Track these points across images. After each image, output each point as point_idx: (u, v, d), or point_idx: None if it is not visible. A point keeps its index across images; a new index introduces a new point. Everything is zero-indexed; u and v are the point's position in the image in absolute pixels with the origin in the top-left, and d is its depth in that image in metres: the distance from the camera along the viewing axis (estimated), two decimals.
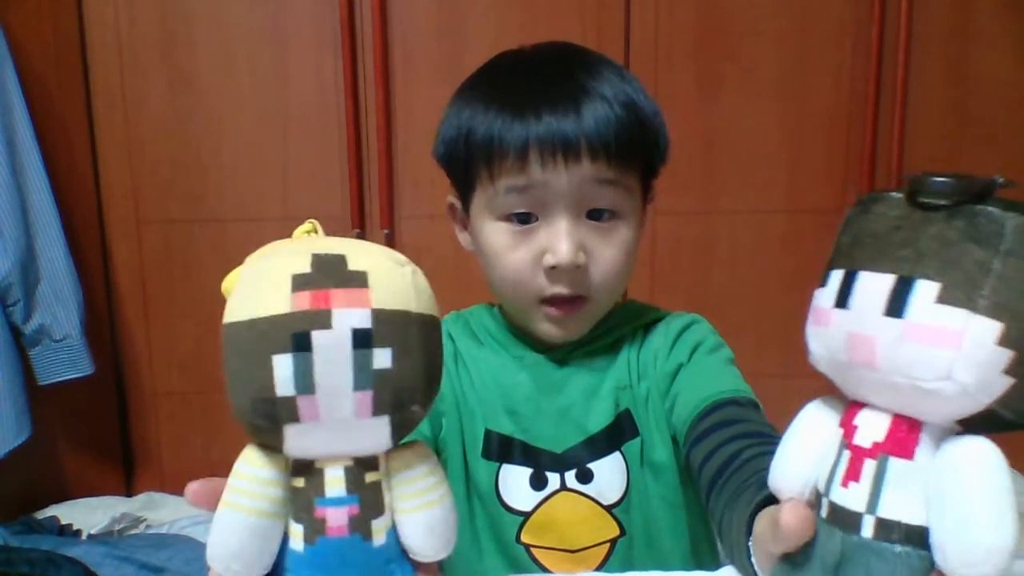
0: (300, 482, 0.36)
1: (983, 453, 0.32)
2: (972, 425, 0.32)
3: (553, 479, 0.72)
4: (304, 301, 0.33)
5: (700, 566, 0.58)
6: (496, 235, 0.69)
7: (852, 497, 0.34)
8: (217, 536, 0.35)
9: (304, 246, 0.35)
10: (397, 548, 0.37)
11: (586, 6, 1.79)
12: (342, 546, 0.35)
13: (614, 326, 0.75)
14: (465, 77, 0.74)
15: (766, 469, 0.40)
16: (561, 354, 0.74)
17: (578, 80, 0.67)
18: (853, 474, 0.34)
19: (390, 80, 1.80)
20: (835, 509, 0.35)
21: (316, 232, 0.38)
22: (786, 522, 0.35)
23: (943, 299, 0.31)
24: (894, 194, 0.35)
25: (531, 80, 0.69)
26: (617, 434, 0.73)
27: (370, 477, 0.36)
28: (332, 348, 0.32)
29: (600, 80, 0.67)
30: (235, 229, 1.83)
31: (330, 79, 1.79)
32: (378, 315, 0.33)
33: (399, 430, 0.35)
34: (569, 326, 0.71)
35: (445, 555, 0.38)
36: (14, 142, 1.63)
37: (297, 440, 0.34)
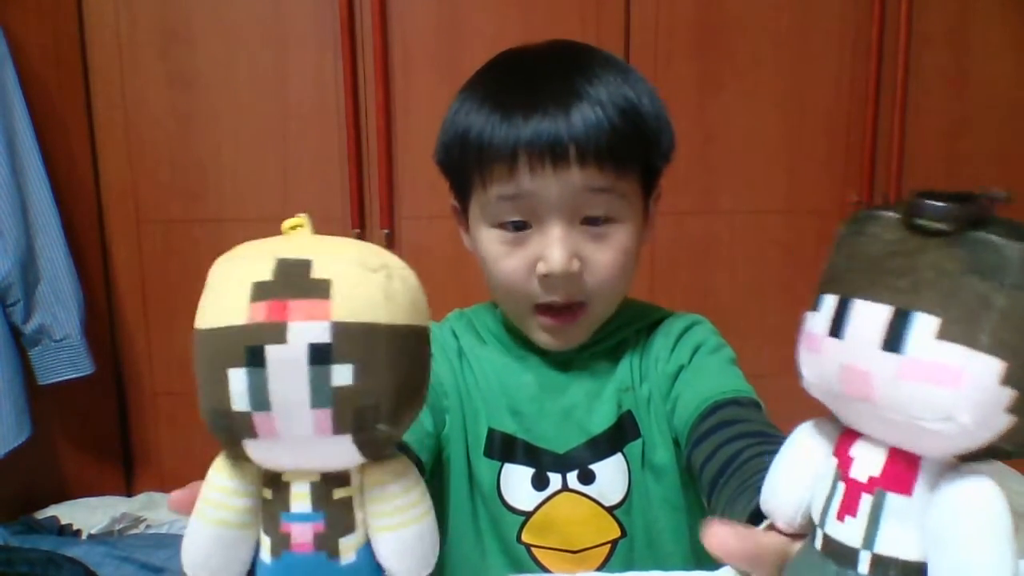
0: (268, 494, 0.35)
1: (984, 497, 0.30)
2: (971, 458, 0.31)
3: (555, 479, 0.72)
4: (260, 313, 0.31)
5: (700, 567, 0.57)
6: (490, 242, 0.69)
7: (848, 532, 0.33)
8: (187, 543, 0.35)
9: (272, 248, 0.34)
10: (371, 566, 0.36)
11: (586, 6, 1.79)
12: (307, 563, 0.35)
13: (617, 328, 0.75)
14: (465, 77, 0.73)
15: (766, 469, 0.40)
16: (564, 356, 0.74)
17: (573, 83, 0.66)
18: (849, 508, 0.33)
19: (390, 80, 1.80)
20: (830, 541, 0.34)
21: (304, 227, 0.37)
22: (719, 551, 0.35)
23: (943, 335, 0.29)
24: (890, 214, 0.33)
25: (526, 81, 0.68)
26: (619, 436, 0.73)
27: (339, 493, 0.35)
28: (287, 364, 0.31)
29: (597, 83, 0.66)
30: (235, 229, 1.83)
31: (330, 79, 1.79)
32: (338, 328, 0.31)
33: (367, 448, 0.34)
34: (566, 335, 0.70)
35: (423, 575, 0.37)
36: (14, 142, 1.63)
37: (259, 454, 0.33)
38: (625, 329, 0.76)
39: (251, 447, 0.33)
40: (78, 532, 1.63)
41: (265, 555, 0.35)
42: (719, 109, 1.84)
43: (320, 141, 1.82)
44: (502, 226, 0.67)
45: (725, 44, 1.82)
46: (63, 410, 1.82)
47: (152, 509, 1.78)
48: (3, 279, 1.62)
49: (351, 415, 0.32)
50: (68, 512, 1.71)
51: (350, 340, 0.31)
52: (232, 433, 0.32)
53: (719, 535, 0.35)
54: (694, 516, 0.75)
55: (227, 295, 0.32)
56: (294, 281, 0.32)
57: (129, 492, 1.92)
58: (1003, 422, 0.29)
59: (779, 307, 1.90)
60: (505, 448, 0.73)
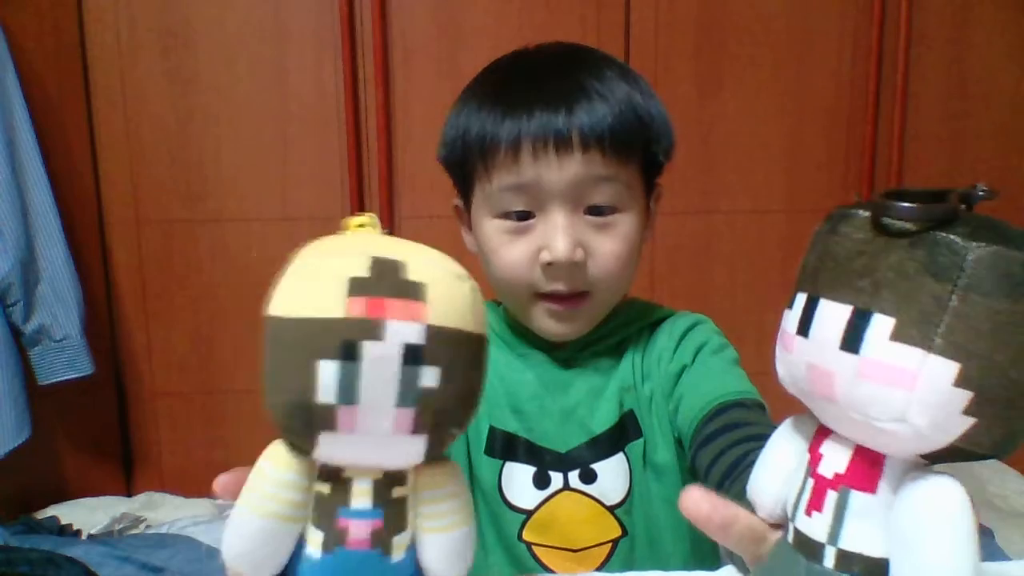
0: (326, 488, 0.35)
1: (946, 498, 0.30)
2: (937, 458, 0.31)
3: (556, 478, 0.72)
4: (359, 308, 0.31)
5: (701, 567, 0.58)
6: (493, 232, 0.69)
7: (815, 527, 0.34)
8: (231, 533, 0.35)
9: (361, 246, 0.34)
10: (414, 565, 0.36)
11: (586, 6, 1.79)
12: (360, 559, 0.35)
13: (619, 326, 0.75)
14: (465, 77, 0.74)
15: None
16: (566, 354, 0.74)
17: (575, 78, 0.67)
18: (816, 504, 0.34)
19: (390, 80, 1.80)
20: (799, 536, 0.34)
21: (373, 227, 0.37)
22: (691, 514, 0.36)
23: (898, 337, 0.29)
24: (862, 213, 0.33)
25: (527, 79, 0.69)
26: (621, 435, 0.73)
27: (397, 492, 0.35)
28: (381, 361, 0.31)
29: (600, 79, 0.67)
30: (235, 229, 1.83)
31: (330, 79, 1.79)
32: (432, 332, 0.32)
33: (434, 449, 0.34)
34: (570, 322, 0.70)
35: None
36: (14, 142, 1.63)
37: (329, 448, 0.33)
38: (627, 327, 0.76)
39: (325, 440, 0.33)
40: (78, 532, 1.63)
41: (314, 550, 0.35)
42: (719, 109, 1.84)
43: (320, 141, 1.82)
44: (505, 216, 0.68)
45: (725, 44, 1.82)
46: (63, 410, 1.82)
47: (152, 509, 1.78)
48: (3, 279, 1.62)
49: (431, 417, 0.33)
50: (68, 512, 1.71)
51: (440, 344, 0.32)
52: (311, 425, 0.32)
53: (694, 498, 0.36)
54: None
55: (321, 287, 0.32)
56: (391, 281, 0.32)
57: (129, 492, 1.92)
58: (961, 424, 0.29)
59: (779, 307, 1.88)
60: (506, 446, 0.73)
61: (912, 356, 0.29)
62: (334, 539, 0.35)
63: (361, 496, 0.35)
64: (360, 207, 1.82)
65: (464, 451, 0.74)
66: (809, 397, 0.34)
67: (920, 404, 0.29)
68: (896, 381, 0.29)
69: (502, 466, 0.73)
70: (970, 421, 0.29)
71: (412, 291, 0.32)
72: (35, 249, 1.67)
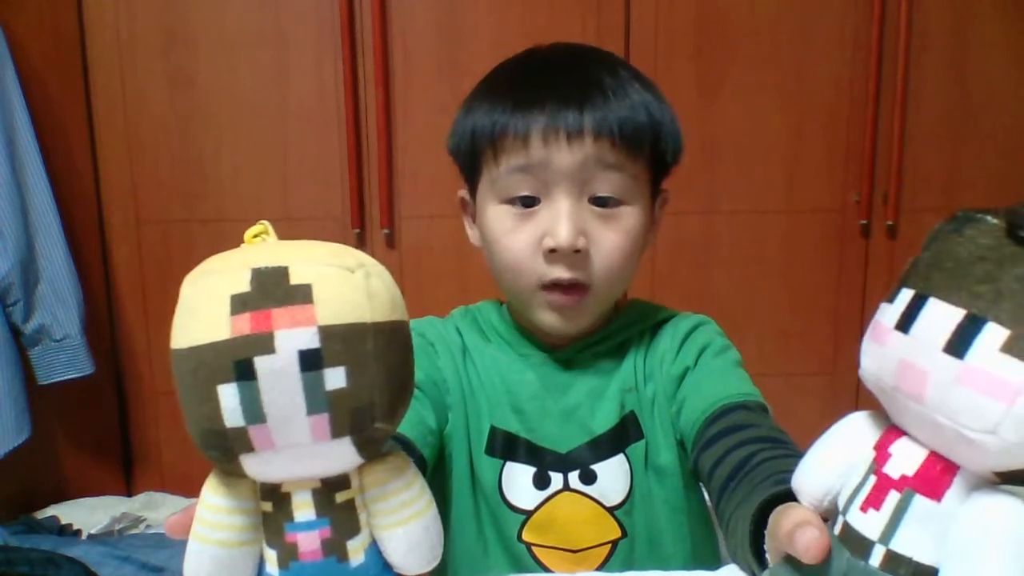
0: (268, 507, 0.35)
1: (1013, 519, 0.30)
2: (1010, 479, 0.31)
3: (556, 479, 0.72)
4: (244, 325, 0.31)
5: (700, 569, 0.58)
6: (498, 218, 0.69)
7: (868, 524, 0.33)
8: (187, 566, 0.36)
9: (244, 258, 0.33)
10: (379, 564, 0.36)
11: (586, 6, 1.79)
12: (317, 570, 0.35)
13: (621, 327, 0.75)
14: (464, 77, 0.74)
15: (784, 471, 0.39)
16: (568, 354, 0.74)
17: (588, 75, 0.68)
18: (874, 501, 0.33)
19: (390, 80, 1.80)
20: (848, 530, 0.34)
21: (268, 234, 0.36)
22: (804, 551, 0.34)
23: (1009, 349, 0.29)
24: (991, 219, 0.32)
25: (540, 76, 0.70)
26: (622, 436, 0.73)
27: (341, 497, 0.35)
28: (278, 374, 0.31)
29: (614, 77, 0.68)
30: (235, 229, 1.80)
31: (330, 79, 1.79)
32: (326, 332, 0.31)
33: (365, 448, 0.33)
34: (570, 316, 0.70)
35: (430, 567, 0.37)
36: (14, 142, 1.63)
37: (257, 468, 0.33)
38: (629, 329, 0.76)
39: (248, 462, 0.32)
40: (78, 532, 1.63)
41: (272, 568, 0.35)
42: (719, 109, 1.84)
43: (320, 141, 1.82)
44: (511, 202, 0.68)
45: (725, 44, 1.82)
46: (63, 410, 1.82)
47: (152, 509, 1.78)
48: (3, 279, 1.62)
49: (348, 417, 0.32)
50: (68, 512, 1.71)
51: (339, 343, 0.31)
52: (227, 451, 0.32)
53: (820, 534, 0.34)
54: (695, 517, 0.75)
55: (206, 311, 0.32)
56: (273, 289, 0.31)
57: (129, 492, 1.92)
58: None
59: (779, 307, 1.90)
60: (507, 446, 0.73)
61: (1019, 371, 0.28)
62: (287, 555, 0.35)
63: (303, 508, 0.34)
64: (360, 207, 1.82)
65: (465, 450, 0.74)
66: (891, 394, 0.33)
67: (1015, 420, 0.28)
68: (996, 393, 0.29)
69: (502, 466, 0.73)
70: None
71: (297, 295, 0.31)
72: (35, 249, 1.67)
